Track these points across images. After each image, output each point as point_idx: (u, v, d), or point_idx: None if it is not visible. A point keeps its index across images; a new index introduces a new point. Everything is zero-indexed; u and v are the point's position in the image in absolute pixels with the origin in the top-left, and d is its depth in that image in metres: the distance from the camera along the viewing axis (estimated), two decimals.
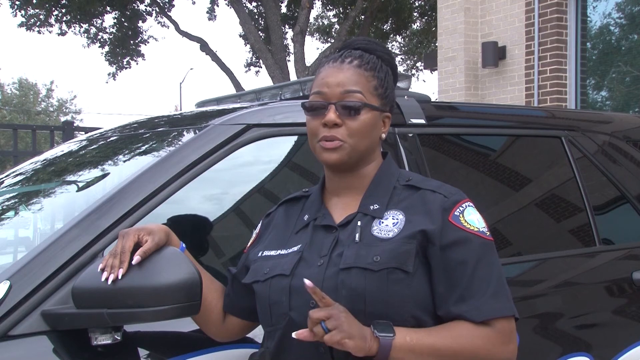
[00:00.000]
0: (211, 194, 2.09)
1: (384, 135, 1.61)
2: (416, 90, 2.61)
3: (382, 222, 1.52)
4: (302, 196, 1.69)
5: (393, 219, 1.52)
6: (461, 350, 1.43)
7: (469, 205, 1.54)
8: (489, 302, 1.45)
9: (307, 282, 1.37)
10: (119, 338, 1.59)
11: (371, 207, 1.55)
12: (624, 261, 2.69)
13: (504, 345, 1.47)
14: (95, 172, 2.28)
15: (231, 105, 2.39)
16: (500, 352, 1.46)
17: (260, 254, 1.62)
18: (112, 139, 2.52)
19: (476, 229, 1.50)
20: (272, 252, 1.59)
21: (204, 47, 17.68)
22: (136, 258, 1.51)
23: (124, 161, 2.24)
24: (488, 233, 1.53)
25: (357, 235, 1.51)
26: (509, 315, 1.47)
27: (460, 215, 1.51)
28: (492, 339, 1.45)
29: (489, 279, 1.47)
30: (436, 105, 2.66)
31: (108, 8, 18.36)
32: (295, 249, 1.56)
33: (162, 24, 19.46)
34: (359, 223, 1.53)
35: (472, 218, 1.52)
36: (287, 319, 1.49)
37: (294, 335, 1.38)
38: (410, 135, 2.32)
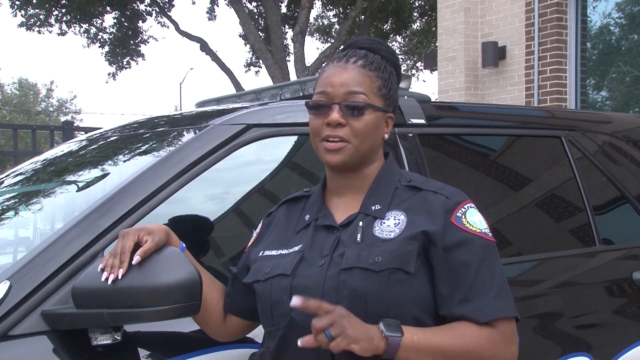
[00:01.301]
0: (211, 194, 2.09)
1: (386, 136, 1.61)
2: (416, 90, 2.61)
3: (384, 223, 1.52)
4: (303, 196, 1.68)
5: (394, 219, 1.52)
6: (466, 350, 1.43)
7: (471, 207, 1.54)
8: (492, 303, 1.45)
9: (295, 301, 1.34)
10: (119, 338, 1.59)
11: (373, 208, 1.55)
12: (624, 261, 2.68)
13: (507, 346, 1.47)
14: (95, 172, 2.28)
15: (231, 105, 2.39)
16: (503, 353, 1.46)
17: (261, 254, 1.61)
18: (112, 139, 2.52)
19: (478, 230, 1.50)
20: (273, 252, 1.59)
21: (204, 47, 17.68)
22: (136, 258, 1.51)
23: (124, 161, 2.24)
24: (490, 234, 1.53)
25: (358, 236, 1.50)
26: (510, 317, 1.47)
27: (463, 217, 1.51)
28: (496, 339, 1.45)
29: (492, 280, 1.47)
30: (436, 105, 2.66)
31: (108, 8, 18.36)
32: (296, 248, 1.56)
33: (162, 24, 19.48)
34: (360, 223, 1.53)
35: (474, 219, 1.52)
36: (288, 319, 1.49)
37: (299, 344, 1.36)
38: (410, 135, 2.32)
